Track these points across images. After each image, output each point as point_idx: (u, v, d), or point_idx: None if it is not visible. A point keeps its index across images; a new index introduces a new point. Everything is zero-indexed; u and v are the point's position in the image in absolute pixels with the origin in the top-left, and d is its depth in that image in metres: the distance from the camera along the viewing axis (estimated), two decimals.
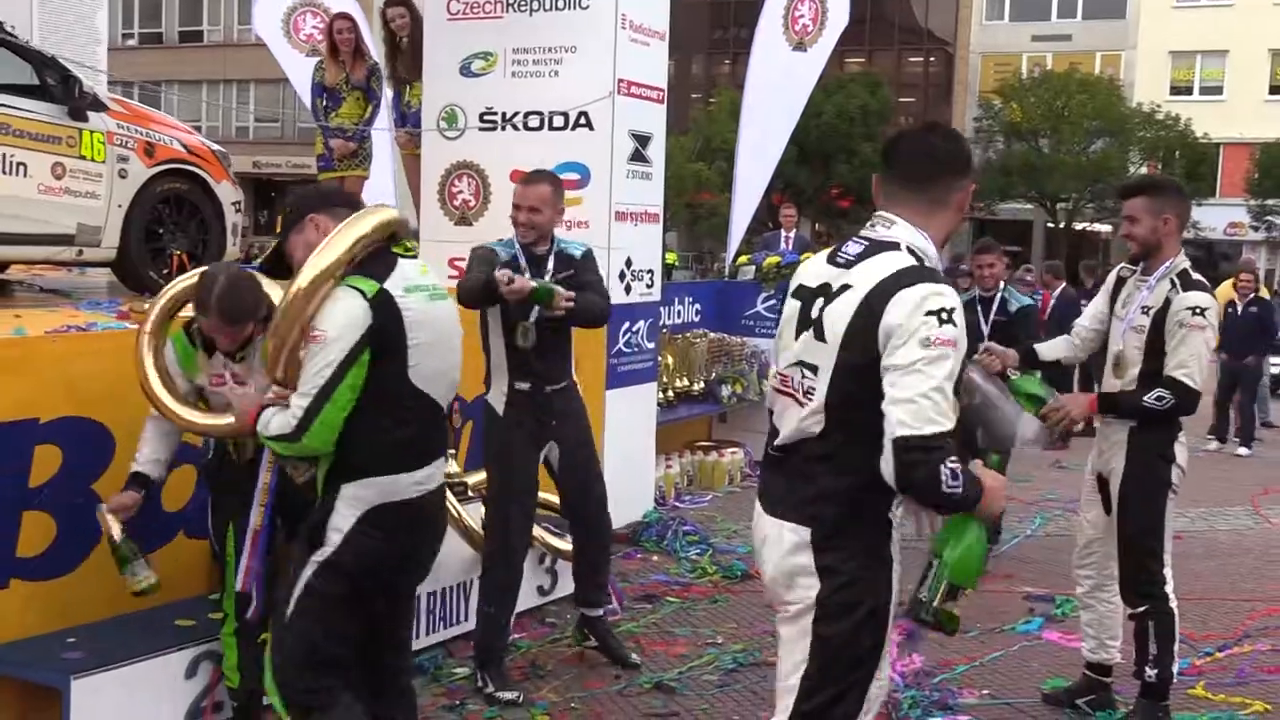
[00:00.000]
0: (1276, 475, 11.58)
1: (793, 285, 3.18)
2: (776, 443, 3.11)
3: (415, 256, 3.73)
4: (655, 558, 7.59)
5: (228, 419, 4.15)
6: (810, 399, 2.98)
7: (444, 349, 3.71)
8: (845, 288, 2.95)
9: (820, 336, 2.97)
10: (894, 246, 2.96)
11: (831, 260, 3.06)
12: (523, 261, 5.31)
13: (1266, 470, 11.96)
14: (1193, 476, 10.88)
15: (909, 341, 2.78)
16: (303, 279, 3.51)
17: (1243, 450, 13.14)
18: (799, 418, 3.01)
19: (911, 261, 2.93)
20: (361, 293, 3.49)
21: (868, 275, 2.92)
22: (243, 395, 3.99)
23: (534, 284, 5.06)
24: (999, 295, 7.33)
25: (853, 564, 2.96)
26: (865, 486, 2.89)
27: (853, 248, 3.03)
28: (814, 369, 2.98)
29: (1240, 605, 6.99)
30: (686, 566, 7.41)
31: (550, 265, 5.38)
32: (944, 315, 2.80)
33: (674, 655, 5.86)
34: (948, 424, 2.75)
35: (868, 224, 3.08)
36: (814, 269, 3.12)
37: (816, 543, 2.97)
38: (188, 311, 4.32)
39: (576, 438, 5.61)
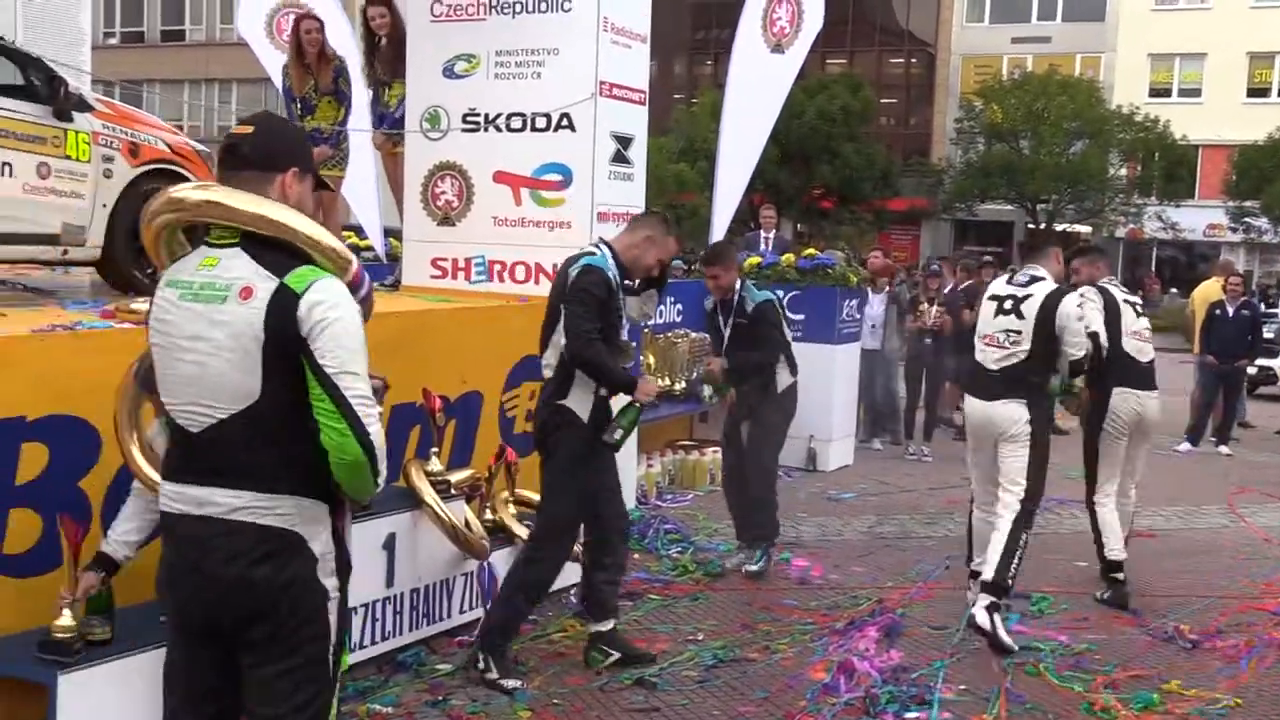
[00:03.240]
0: (1251, 475, 11.70)
1: (989, 293, 6.64)
2: (994, 367, 6.41)
3: (228, 245, 3.27)
4: (636, 556, 7.60)
5: None
6: (1014, 344, 6.33)
7: (174, 354, 3.07)
8: (1028, 296, 6.37)
9: (1020, 316, 6.33)
10: (1044, 279, 6.47)
11: (1010, 281, 6.60)
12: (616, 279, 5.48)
13: (1242, 470, 12.10)
14: (1169, 476, 11.04)
15: (1070, 322, 6.33)
16: None
17: (1223, 449, 13.23)
18: (1006, 355, 6.36)
19: (1055, 286, 6.46)
20: None
21: (1041, 290, 6.37)
22: None
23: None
24: (736, 297, 7.32)
25: (1039, 411, 6.36)
26: (1043, 380, 6.44)
27: (1022, 278, 6.50)
28: (1018, 332, 6.33)
29: (1215, 602, 7.08)
30: (668, 564, 7.48)
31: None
32: (1080, 306, 6.60)
33: (655, 652, 5.90)
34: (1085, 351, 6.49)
35: (1023, 270, 6.61)
36: (999, 285, 6.65)
37: (1029, 405, 6.30)
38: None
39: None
